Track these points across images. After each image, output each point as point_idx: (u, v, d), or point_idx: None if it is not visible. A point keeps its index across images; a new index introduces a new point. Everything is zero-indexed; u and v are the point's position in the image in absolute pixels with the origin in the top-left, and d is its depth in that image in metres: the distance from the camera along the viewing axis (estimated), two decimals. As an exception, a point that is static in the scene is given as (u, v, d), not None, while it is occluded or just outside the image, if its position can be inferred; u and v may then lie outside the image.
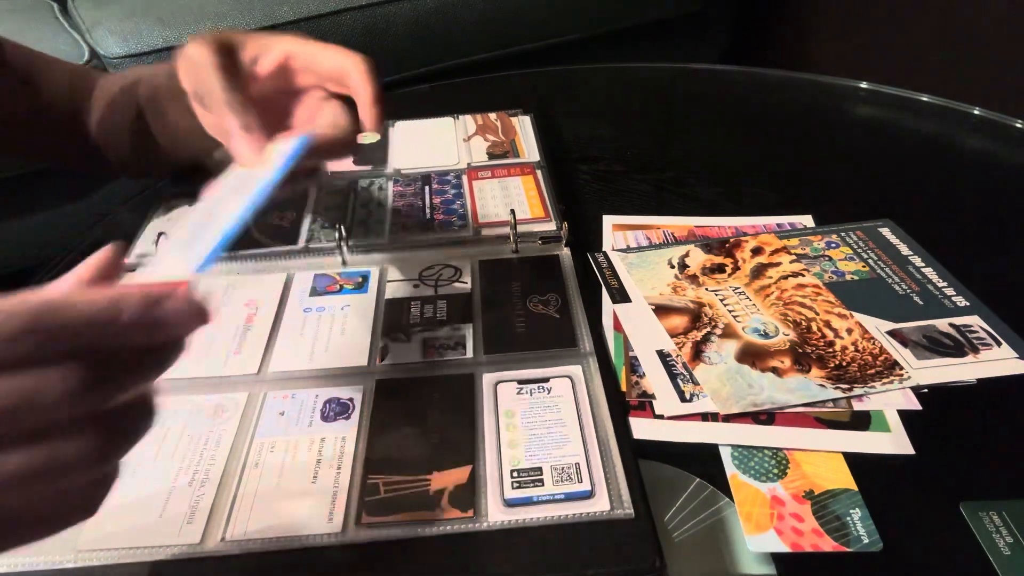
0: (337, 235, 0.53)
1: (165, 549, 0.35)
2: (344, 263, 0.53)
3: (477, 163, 0.64)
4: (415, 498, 0.36)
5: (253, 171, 0.37)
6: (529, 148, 0.66)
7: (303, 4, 1.20)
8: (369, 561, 0.34)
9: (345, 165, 0.65)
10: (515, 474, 0.37)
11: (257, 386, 0.44)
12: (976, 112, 0.72)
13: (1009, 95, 1.26)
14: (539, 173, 0.62)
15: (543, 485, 0.37)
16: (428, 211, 0.58)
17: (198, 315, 0.26)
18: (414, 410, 0.41)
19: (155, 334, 0.25)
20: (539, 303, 0.48)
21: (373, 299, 0.50)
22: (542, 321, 0.47)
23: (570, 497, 0.36)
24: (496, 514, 0.35)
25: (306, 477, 0.38)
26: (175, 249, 0.35)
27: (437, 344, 0.46)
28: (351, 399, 0.42)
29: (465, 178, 0.62)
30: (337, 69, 0.44)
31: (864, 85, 0.79)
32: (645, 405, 0.43)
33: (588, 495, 0.36)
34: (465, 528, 0.35)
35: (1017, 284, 0.52)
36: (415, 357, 0.45)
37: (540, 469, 0.37)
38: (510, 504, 0.36)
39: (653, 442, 0.41)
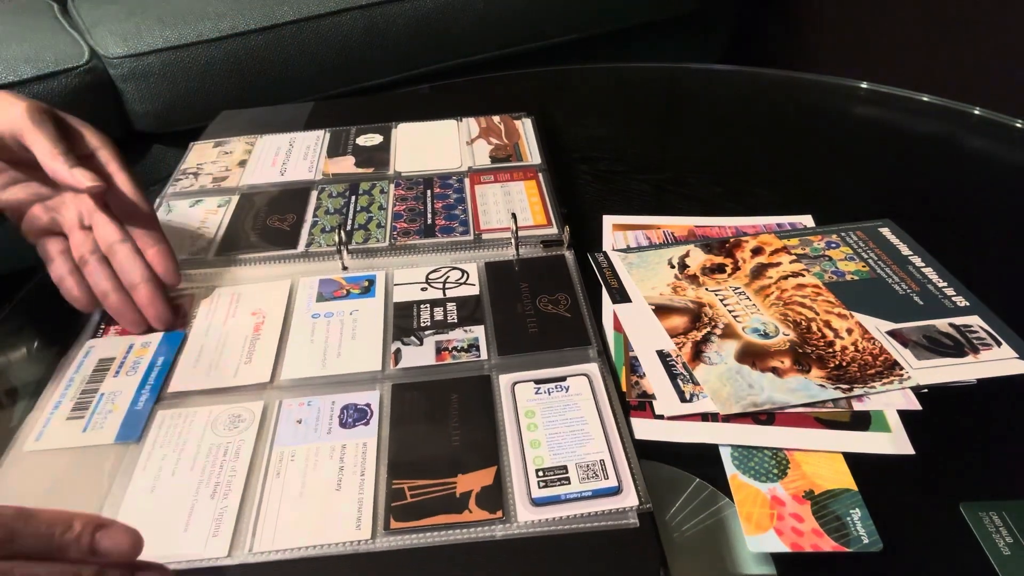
0: (337, 239, 0.53)
1: (192, 564, 0.35)
2: (344, 268, 0.53)
3: (479, 167, 0.64)
4: (442, 501, 0.36)
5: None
6: (532, 152, 0.66)
7: (303, 4, 1.20)
8: (400, 566, 0.34)
9: (346, 167, 0.65)
10: (540, 473, 0.37)
11: (271, 394, 0.43)
12: (976, 112, 0.72)
13: (1009, 95, 1.26)
14: (541, 177, 0.62)
15: (570, 483, 0.37)
16: (430, 215, 0.58)
17: (133, 545, 0.32)
18: (433, 413, 0.41)
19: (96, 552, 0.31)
20: (549, 303, 0.48)
21: (381, 303, 0.50)
22: (554, 320, 0.47)
23: (598, 493, 0.36)
24: (525, 514, 0.35)
25: (330, 485, 0.38)
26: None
27: (450, 347, 0.46)
28: (368, 404, 0.42)
29: (467, 182, 0.62)
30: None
31: (864, 85, 0.79)
32: (645, 405, 0.43)
33: (616, 491, 0.36)
34: (495, 529, 0.35)
35: (1017, 284, 0.52)
36: (429, 360, 0.45)
37: (565, 467, 0.37)
38: (538, 503, 0.36)
39: (653, 442, 0.41)
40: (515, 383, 0.43)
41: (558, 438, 0.39)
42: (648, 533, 0.35)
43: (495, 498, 0.36)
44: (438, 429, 0.40)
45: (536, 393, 0.42)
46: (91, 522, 0.31)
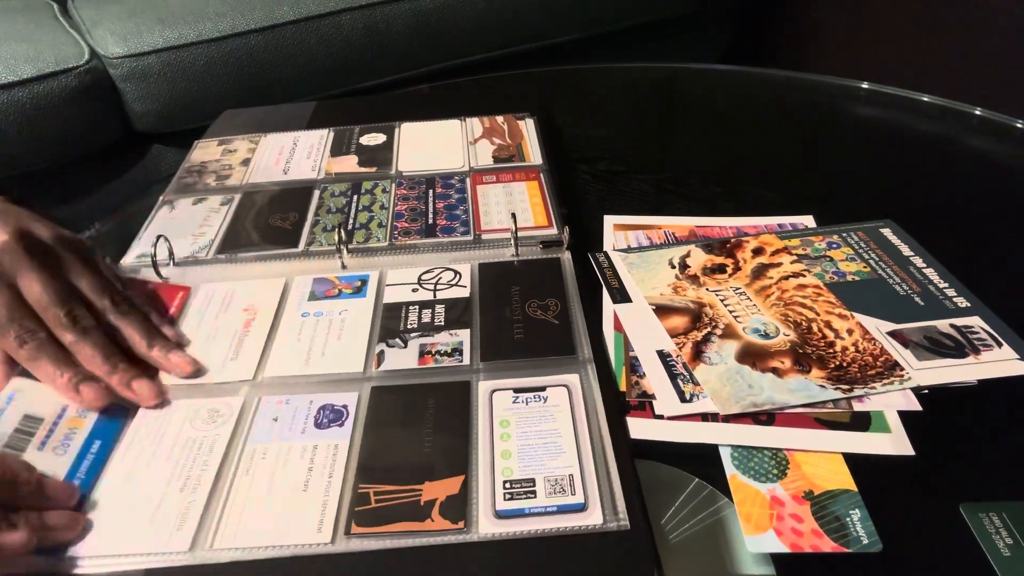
0: (337, 238, 0.53)
1: (154, 557, 0.35)
2: (343, 267, 0.53)
3: (481, 167, 0.64)
4: (405, 508, 0.36)
5: None
6: (534, 152, 0.66)
7: (303, 4, 1.20)
8: (358, 572, 0.34)
9: (348, 166, 0.65)
10: (507, 485, 0.37)
11: (252, 391, 0.43)
12: (977, 112, 0.72)
13: (1010, 95, 1.26)
14: (542, 178, 0.62)
15: (535, 497, 0.36)
16: (431, 215, 0.58)
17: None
18: (408, 418, 0.41)
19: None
20: (538, 308, 0.48)
21: (371, 303, 0.49)
22: (540, 327, 0.47)
23: (563, 509, 0.35)
24: (487, 526, 0.35)
25: (297, 485, 0.38)
26: None
27: (434, 350, 0.45)
28: (345, 406, 0.42)
29: (469, 182, 0.62)
30: None
31: (864, 85, 0.79)
32: (645, 405, 0.43)
33: (581, 507, 0.35)
34: (455, 539, 0.35)
35: (1018, 285, 0.52)
36: (411, 363, 0.44)
37: (533, 480, 0.37)
38: (501, 516, 0.35)
39: (652, 442, 0.41)
40: (494, 390, 0.42)
41: (529, 450, 0.39)
42: (642, 537, 0.34)
43: (458, 508, 0.36)
44: (411, 434, 0.40)
45: (514, 402, 0.41)
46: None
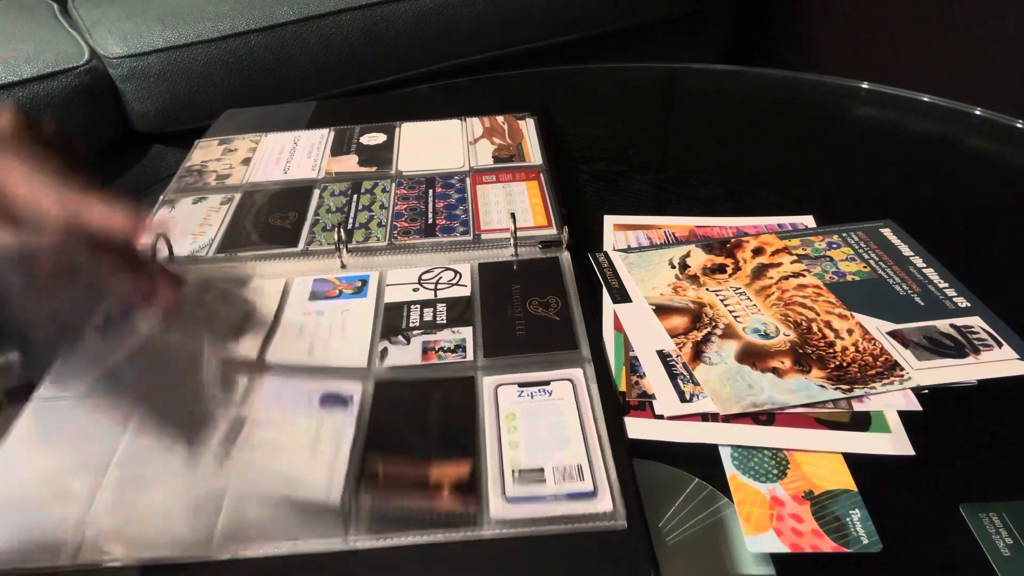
0: (337, 238, 0.53)
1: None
2: (343, 266, 0.53)
3: (481, 167, 0.64)
4: (415, 486, 0.37)
5: None
6: (534, 152, 0.66)
7: (303, 4, 1.20)
8: (364, 568, 0.34)
9: (348, 165, 0.65)
10: (516, 473, 0.37)
11: (253, 375, 0.44)
12: (978, 112, 0.72)
13: (1009, 95, 1.26)
14: (542, 178, 0.62)
15: (545, 484, 0.37)
16: (431, 215, 0.58)
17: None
18: (414, 411, 0.41)
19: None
20: (539, 306, 0.48)
21: (372, 303, 0.50)
22: (542, 324, 0.47)
23: (573, 496, 0.36)
24: (497, 510, 0.35)
25: (304, 448, 0.38)
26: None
27: (437, 347, 0.46)
28: (351, 395, 0.42)
29: (469, 182, 0.62)
30: None
31: (864, 85, 0.79)
32: (645, 405, 0.43)
33: (591, 494, 0.36)
34: (465, 521, 0.35)
35: (1018, 285, 0.52)
36: (415, 360, 0.45)
37: (542, 469, 0.37)
38: (511, 501, 0.36)
39: (652, 442, 0.41)
40: (498, 385, 0.43)
41: (537, 441, 0.39)
42: (639, 538, 0.34)
43: (468, 492, 0.36)
44: (417, 426, 0.40)
45: (519, 396, 0.42)
46: None
